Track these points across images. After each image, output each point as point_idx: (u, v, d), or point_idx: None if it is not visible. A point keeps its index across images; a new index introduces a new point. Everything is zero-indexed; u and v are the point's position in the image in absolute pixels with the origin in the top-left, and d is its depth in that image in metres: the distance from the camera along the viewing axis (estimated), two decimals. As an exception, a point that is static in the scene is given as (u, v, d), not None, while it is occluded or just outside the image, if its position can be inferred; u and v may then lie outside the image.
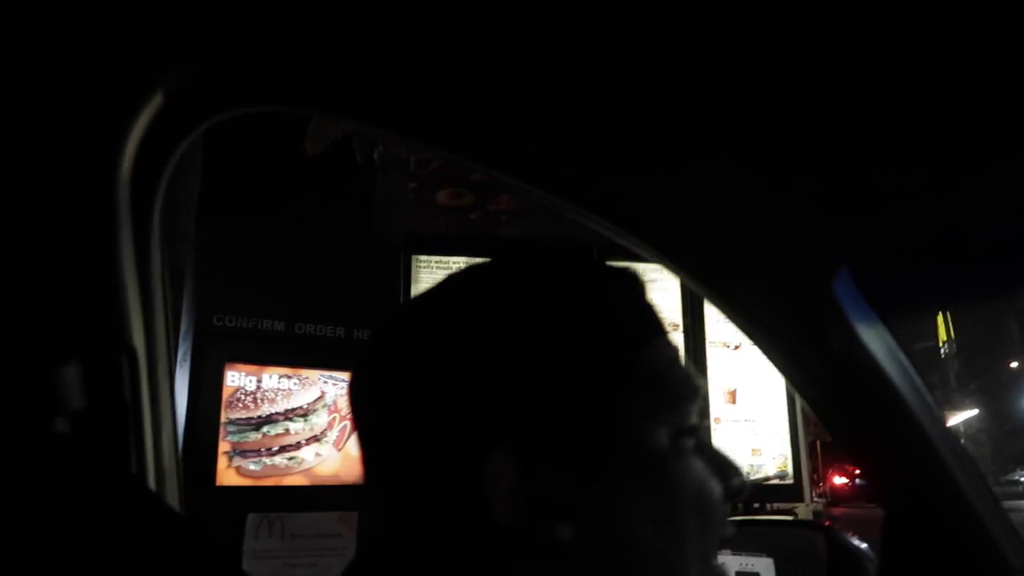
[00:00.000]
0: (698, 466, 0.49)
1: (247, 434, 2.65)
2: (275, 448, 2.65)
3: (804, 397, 1.19)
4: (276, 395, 2.70)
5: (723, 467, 0.51)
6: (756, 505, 6.76)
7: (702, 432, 0.51)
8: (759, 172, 0.86)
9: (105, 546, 0.53)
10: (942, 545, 1.23)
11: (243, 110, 0.68)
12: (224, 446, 2.60)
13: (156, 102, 0.62)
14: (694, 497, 0.48)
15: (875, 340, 1.09)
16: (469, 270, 0.53)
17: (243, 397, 2.65)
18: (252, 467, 2.68)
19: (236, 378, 2.65)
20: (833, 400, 1.12)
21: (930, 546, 1.24)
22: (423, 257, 5.34)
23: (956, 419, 23.79)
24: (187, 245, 2.55)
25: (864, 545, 1.50)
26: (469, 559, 0.47)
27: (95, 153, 0.60)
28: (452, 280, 0.52)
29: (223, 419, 2.56)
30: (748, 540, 1.65)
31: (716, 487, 0.49)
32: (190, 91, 0.63)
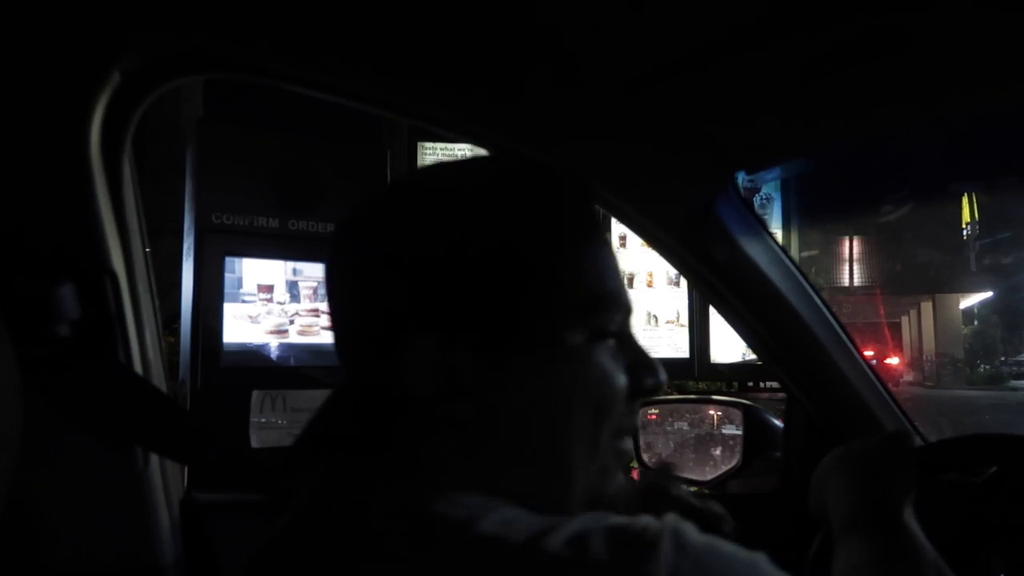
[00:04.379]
0: (606, 366, 0.54)
1: (249, 320, 2.92)
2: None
3: (702, 296, 1.37)
4: (272, 285, 2.93)
5: (639, 369, 0.56)
6: (750, 384, 7.04)
7: (624, 337, 0.57)
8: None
9: (97, 411, 0.74)
10: (833, 425, 1.43)
11: (187, 80, 0.85)
12: (228, 330, 2.88)
13: (114, 80, 0.79)
14: (591, 393, 0.53)
15: (757, 247, 1.25)
16: (415, 174, 0.60)
17: (244, 287, 2.89)
18: (255, 350, 2.97)
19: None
20: (722, 300, 1.29)
21: (824, 427, 1.44)
22: (428, 144, 5.44)
23: (969, 301, 23.90)
24: (189, 151, 2.71)
25: (777, 422, 1.72)
26: (382, 430, 0.55)
27: (67, 124, 0.78)
28: (400, 185, 0.61)
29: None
30: (692, 412, 1.88)
31: (620, 386, 0.55)
32: (140, 69, 0.80)
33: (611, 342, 0.55)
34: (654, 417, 1.87)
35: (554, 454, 0.53)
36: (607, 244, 0.58)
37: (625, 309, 0.57)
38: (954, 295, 23.72)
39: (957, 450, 1.10)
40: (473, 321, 0.51)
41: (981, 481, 1.13)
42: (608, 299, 0.55)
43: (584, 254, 0.55)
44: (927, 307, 23.91)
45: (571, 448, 0.53)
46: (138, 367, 0.91)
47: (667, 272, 6.01)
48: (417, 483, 0.52)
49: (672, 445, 1.83)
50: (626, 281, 0.61)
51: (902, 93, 0.92)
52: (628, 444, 0.59)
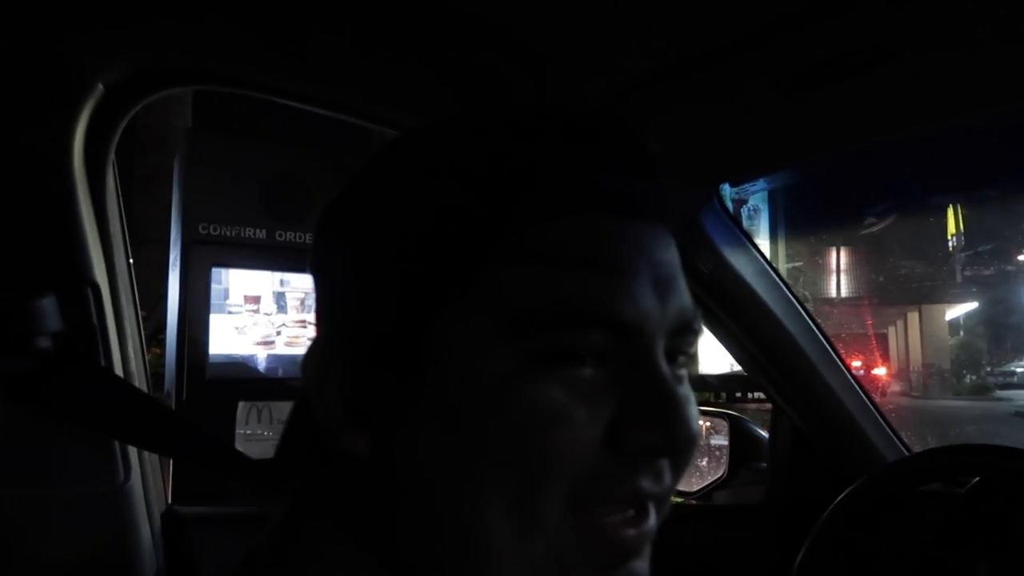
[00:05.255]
0: (550, 403, 0.38)
1: (235, 332, 2.91)
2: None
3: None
4: (261, 297, 2.93)
5: (633, 415, 0.39)
6: (738, 394, 7.08)
7: (625, 365, 0.40)
8: None
9: (80, 414, 0.73)
10: (819, 436, 1.44)
11: (170, 92, 0.85)
12: (215, 343, 2.87)
13: (98, 92, 0.79)
14: (520, 439, 0.38)
15: (742, 260, 1.26)
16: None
17: (231, 299, 2.89)
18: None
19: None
20: (708, 311, 1.30)
21: (810, 438, 1.45)
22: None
23: (955, 312, 24.08)
24: (177, 161, 2.70)
25: (763, 432, 1.72)
26: (297, 458, 0.50)
27: (51, 135, 0.78)
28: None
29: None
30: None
31: (581, 435, 0.38)
32: (123, 82, 0.80)
33: (586, 371, 0.39)
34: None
35: (463, 517, 0.39)
36: (587, 230, 0.40)
37: (621, 324, 0.39)
38: (940, 306, 23.89)
39: (940, 460, 1.11)
40: (372, 331, 0.42)
41: (964, 491, 1.14)
42: (573, 308, 0.38)
43: (525, 243, 0.39)
44: (913, 318, 24.06)
45: (486, 513, 0.38)
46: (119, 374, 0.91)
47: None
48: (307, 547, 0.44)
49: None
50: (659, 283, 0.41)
51: (885, 106, 0.93)
52: (629, 526, 0.41)
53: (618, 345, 0.40)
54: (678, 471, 0.43)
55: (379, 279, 0.42)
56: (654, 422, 0.39)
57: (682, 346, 0.43)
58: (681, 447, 0.40)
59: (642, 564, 0.42)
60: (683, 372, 0.44)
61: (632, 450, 0.39)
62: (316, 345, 0.45)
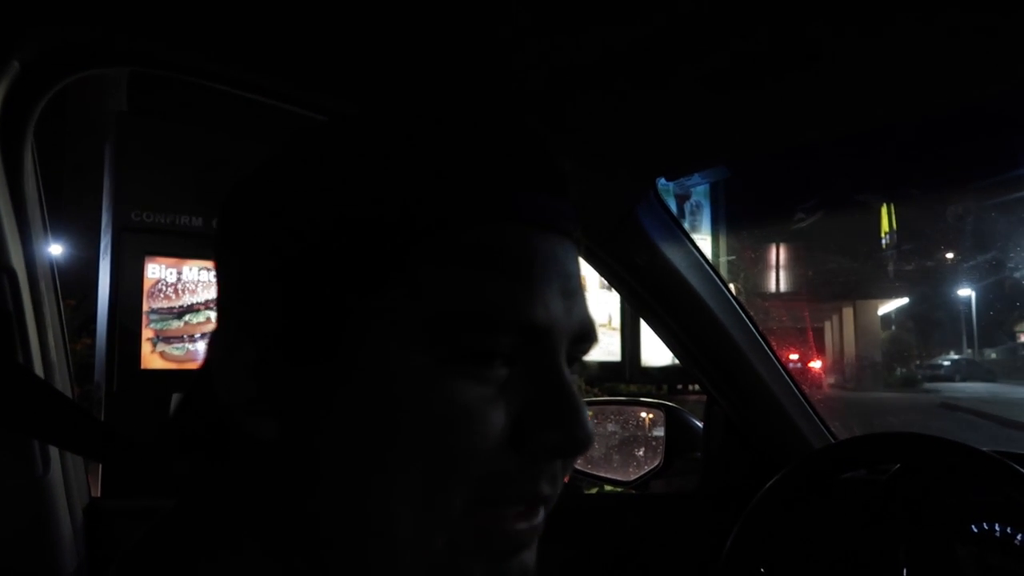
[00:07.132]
0: (462, 401, 0.40)
1: (169, 322, 2.83)
2: (197, 335, 2.85)
3: (626, 300, 1.39)
4: (197, 286, 2.84)
5: (537, 416, 0.41)
6: (679, 386, 7.20)
7: (531, 367, 0.42)
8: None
9: None
10: (749, 425, 1.48)
11: (90, 72, 0.82)
12: (147, 333, 2.79)
13: (13, 70, 0.75)
14: (431, 434, 0.39)
15: (677, 253, 1.28)
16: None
17: (164, 288, 2.80)
18: (176, 352, 2.88)
19: (157, 270, 2.79)
20: (644, 304, 1.32)
21: (741, 427, 1.48)
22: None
23: (886, 307, 24.97)
24: (107, 146, 2.61)
25: (698, 423, 1.75)
26: (200, 433, 0.48)
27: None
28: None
29: (145, 308, 2.73)
30: (616, 413, 1.90)
31: (489, 432, 0.40)
32: (40, 60, 0.76)
33: (497, 371, 0.41)
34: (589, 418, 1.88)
35: (369, 506, 0.40)
36: (507, 238, 0.42)
37: (533, 328, 0.41)
38: (873, 301, 24.73)
39: (863, 448, 1.14)
40: (287, 314, 0.42)
41: (885, 478, 1.18)
42: (491, 311, 0.40)
43: (448, 245, 0.41)
44: (848, 313, 24.84)
45: (393, 504, 0.40)
46: (39, 369, 0.88)
47: (600, 277, 6.13)
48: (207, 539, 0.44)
49: (598, 446, 1.85)
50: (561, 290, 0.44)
51: (815, 106, 0.95)
52: (521, 520, 0.43)
53: (527, 348, 0.42)
54: (567, 471, 0.46)
55: (297, 262, 0.42)
56: (557, 423, 0.42)
57: (579, 353, 0.47)
58: (581, 447, 0.42)
59: (530, 555, 0.45)
60: (575, 376, 0.47)
61: (536, 449, 0.41)
62: (223, 326, 0.45)
